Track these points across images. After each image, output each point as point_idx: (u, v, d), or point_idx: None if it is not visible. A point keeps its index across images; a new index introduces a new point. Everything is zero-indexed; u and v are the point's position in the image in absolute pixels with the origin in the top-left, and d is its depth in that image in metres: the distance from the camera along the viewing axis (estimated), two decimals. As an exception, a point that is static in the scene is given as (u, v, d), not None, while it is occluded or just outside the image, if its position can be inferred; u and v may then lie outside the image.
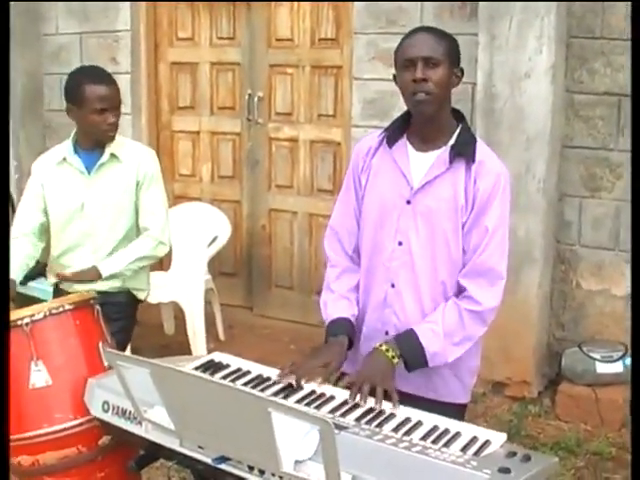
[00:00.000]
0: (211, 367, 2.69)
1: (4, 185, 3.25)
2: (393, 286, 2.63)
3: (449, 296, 2.59)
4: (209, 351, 5.46)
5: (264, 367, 2.69)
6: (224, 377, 2.60)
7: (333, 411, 2.35)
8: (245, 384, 2.55)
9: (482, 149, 2.58)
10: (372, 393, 2.41)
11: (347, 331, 2.66)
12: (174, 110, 6.11)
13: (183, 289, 5.36)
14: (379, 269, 2.66)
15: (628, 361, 4.53)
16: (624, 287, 4.68)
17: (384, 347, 2.52)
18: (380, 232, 2.64)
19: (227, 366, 2.71)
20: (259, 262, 5.96)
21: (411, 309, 2.62)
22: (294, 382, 2.51)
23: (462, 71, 2.55)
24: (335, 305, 2.72)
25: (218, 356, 2.80)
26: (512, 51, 4.42)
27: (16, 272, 3.32)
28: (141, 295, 3.61)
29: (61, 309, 2.87)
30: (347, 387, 2.49)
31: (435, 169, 2.55)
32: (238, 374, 2.64)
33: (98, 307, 2.96)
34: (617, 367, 4.52)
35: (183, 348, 5.40)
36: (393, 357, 2.50)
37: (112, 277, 3.37)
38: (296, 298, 5.73)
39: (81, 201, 3.43)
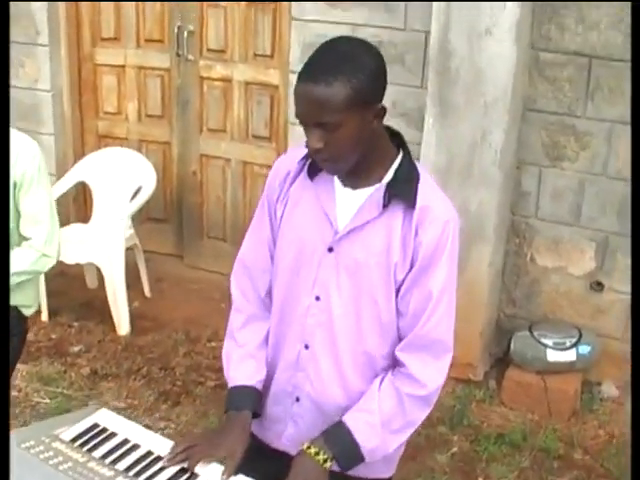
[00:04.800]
0: (93, 439, 2.23)
1: (4, 187, 2.74)
2: (307, 347, 2.17)
3: (377, 367, 2.14)
4: (133, 311, 5.05)
5: (156, 436, 2.26)
6: (105, 455, 2.17)
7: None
8: (128, 468, 2.12)
9: (426, 188, 2.06)
10: None
11: (252, 404, 2.21)
12: (97, 41, 5.44)
13: (102, 250, 4.88)
14: (292, 325, 2.19)
15: (582, 349, 4.20)
16: (582, 266, 4.31)
17: (312, 450, 2.07)
18: (296, 281, 2.16)
19: (111, 436, 2.26)
20: (190, 210, 5.47)
21: (328, 377, 2.16)
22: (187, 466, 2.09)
23: (384, 109, 2.00)
24: (240, 366, 2.26)
25: (104, 418, 2.34)
26: (472, 4, 3.85)
27: None
28: (27, 312, 3.12)
29: None
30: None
31: (366, 212, 2.05)
32: (123, 449, 2.20)
33: None
34: (570, 355, 4.19)
35: (105, 306, 4.98)
36: (325, 461, 2.06)
37: None
38: (229, 250, 5.21)
39: None
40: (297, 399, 2.22)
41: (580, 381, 4.29)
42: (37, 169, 2.92)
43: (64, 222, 5.49)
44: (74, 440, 2.22)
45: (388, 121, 4.45)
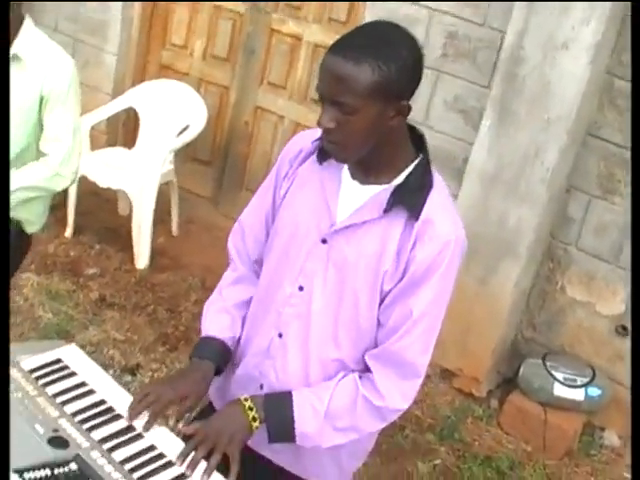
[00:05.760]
0: (51, 374, 2.16)
1: (4, 180, 2.68)
2: (280, 336, 2.08)
3: (346, 369, 2.03)
4: (156, 246, 5.00)
5: (115, 386, 2.18)
6: (57, 394, 2.10)
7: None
8: (76, 413, 2.05)
9: (435, 201, 1.91)
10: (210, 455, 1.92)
11: (215, 356, 2.13)
12: (175, -29, 5.33)
13: (136, 179, 4.82)
14: (270, 310, 2.10)
15: (591, 390, 4.03)
16: (611, 307, 4.12)
17: (247, 403, 1.99)
18: (283, 265, 2.07)
19: (69, 375, 2.19)
20: (235, 159, 5.37)
21: (294, 371, 2.07)
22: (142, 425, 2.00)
23: (409, 107, 1.85)
24: (214, 319, 2.19)
25: (69, 355, 2.28)
26: (554, 14, 3.67)
27: None
28: (30, 228, 3.06)
29: None
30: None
31: (366, 211, 1.93)
32: (77, 392, 2.12)
33: None
34: (578, 394, 4.02)
35: (130, 236, 4.92)
36: (254, 419, 1.97)
37: None
38: (264, 207, 5.15)
39: None
40: (261, 386, 2.13)
41: (582, 422, 4.12)
42: (67, 87, 2.84)
43: (110, 144, 5.48)
44: (33, 371, 2.16)
45: (446, 113, 4.31)
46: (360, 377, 1.99)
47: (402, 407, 1.99)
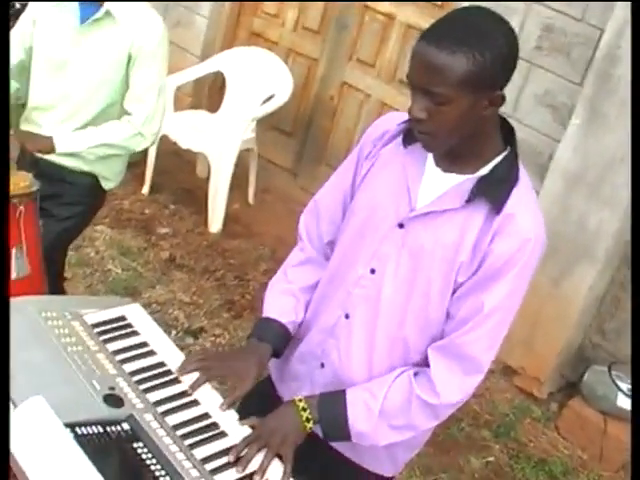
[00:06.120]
0: (113, 331, 2.17)
1: (4, 177, 2.74)
2: (347, 317, 2.04)
3: (409, 360, 1.99)
4: (230, 212, 5.01)
5: (176, 350, 2.18)
6: (117, 352, 2.10)
7: (207, 460, 1.86)
8: (134, 373, 2.06)
9: (520, 196, 1.85)
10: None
11: (275, 339, 2.11)
12: (272, -63, 5.30)
13: (216, 143, 4.82)
14: (339, 290, 2.06)
15: (656, 405, 3.91)
16: (686, 321, 3.97)
17: (301, 404, 1.97)
18: (358, 246, 2.03)
19: (131, 334, 2.19)
20: (317, 132, 5.35)
21: (358, 353, 2.04)
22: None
23: (503, 97, 1.80)
24: (277, 300, 2.17)
25: (133, 313, 2.28)
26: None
27: None
28: (106, 185, 3.09)
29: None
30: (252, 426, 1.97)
31: (447, 200, 1.88)
32: (137, 352, 2.13)
33: (22, 208, 2.46)
34: (641, 406, 3.91)
35: (206, 199, 4.95)
36: (307, 420, 1.96)
37: (70, 155, 2.85)
38: (343, 185, 5.12)
39: (66, 56, 2.86)
40: (322, 365, 2.11)
41: (642, 436, 4.03)
42: (156, 46, 2.87)
43: (194, 106, 5.50)
44: (95, 326, 2.17)
45: (535, 107, 4.19)
46: (416, 374, 1.95)
47: (458, 400, 1.95)
